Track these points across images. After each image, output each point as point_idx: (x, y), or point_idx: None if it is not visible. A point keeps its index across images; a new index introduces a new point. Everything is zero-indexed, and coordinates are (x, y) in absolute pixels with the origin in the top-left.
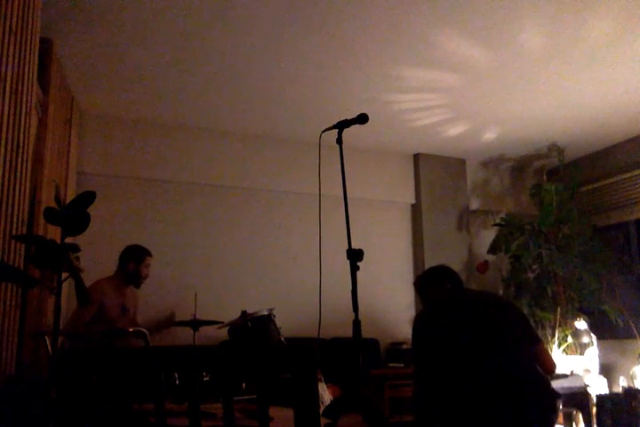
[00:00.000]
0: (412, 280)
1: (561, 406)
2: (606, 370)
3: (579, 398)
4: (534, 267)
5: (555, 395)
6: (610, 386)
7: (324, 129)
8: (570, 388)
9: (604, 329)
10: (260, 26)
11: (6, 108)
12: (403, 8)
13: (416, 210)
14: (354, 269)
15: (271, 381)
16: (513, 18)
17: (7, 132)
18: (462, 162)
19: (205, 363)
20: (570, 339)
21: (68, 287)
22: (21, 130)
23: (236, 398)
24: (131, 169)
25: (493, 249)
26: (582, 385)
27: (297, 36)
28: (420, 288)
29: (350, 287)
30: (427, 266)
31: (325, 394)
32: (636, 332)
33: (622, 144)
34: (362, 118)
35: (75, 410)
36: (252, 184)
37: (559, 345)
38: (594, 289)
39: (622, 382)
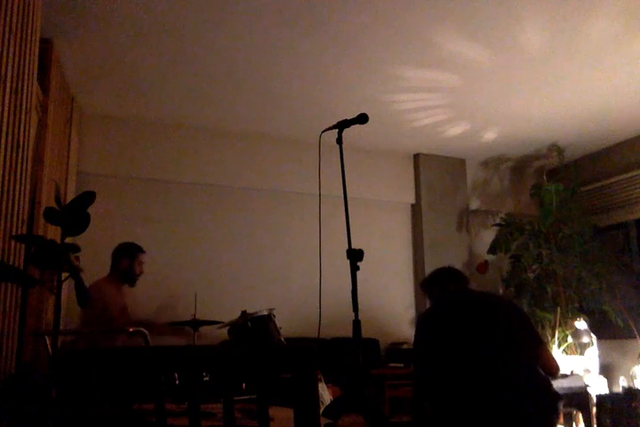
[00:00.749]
0: (412, 280)
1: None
2: (606, 370)
3: (579, 398)
4: (534, 267)
5: (556, 396)
6: (610, 386)
7: (324, 129)
8: (570, 388)
9: (604, 329)
10: (260, 26)
11: (6, 108)
12: (403, 8)
13: (416, 210)
14: (354, 269)
15: (271, 381)
16: (513, 18)
17: (7, 132)
18: (462, 162)
19: (205, 363)
20: (570, 339)
21: (67, 287)
22: (21, 130)
23: (236, 398)
24: (131, 169)
25: (493, 249)
26: (582, 385)
27: (297, 36)
28: (426, 290)
29: (350, 287)
30: (427, 266)
31: (325, 394)
32: (635, 332)
33: (622, 144)
34: (362, 118)
35: (75, 410)
36: (252, 184)
37: (559, 345)
38: (594, 289)
39: (622, 382)
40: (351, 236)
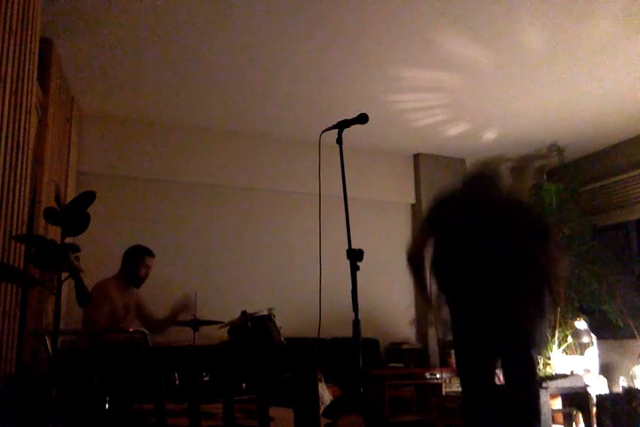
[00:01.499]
0: (412, 280)
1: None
2: (606, 370)
3: (579, 398)
4: None
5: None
6: (610, 386)
7: (324, 129)
8: (570, 388)
9: (604, 329)
10: (260, 26)
11: (6, 108)
12: (403, 8)
13: (416, 210)
14: (354, 269)
15: (271, 381)
16: (513, 18)
17: (7, 132)
18: (462, 162)
19: (205, 363)
20: (570, 339)
21: (67, 287)
22: (21, 130)
23: (236, 398)
24: (131, 169)
25: None
26: (582, 385)
27: (297, 36)
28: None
29: (350, 287)
30: (427, 266)
31: (325, 394)
32: (635, 332)
33: (622, 144)
34: (362, 118)
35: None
36: (252, 184)
37: (559, 345)
38: (594, 289)
39: (622, 382)
40: (351, 236)
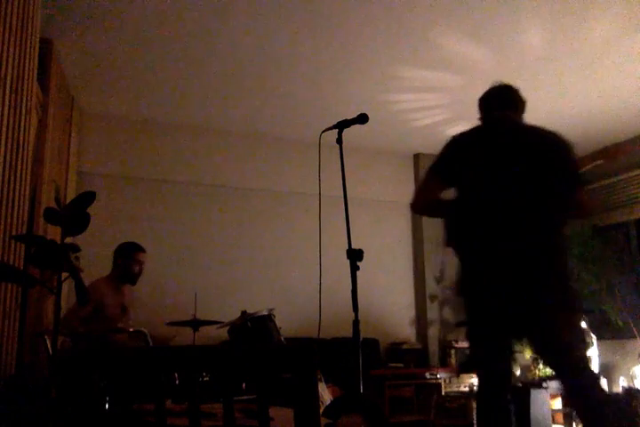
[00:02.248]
0: (412, 280)
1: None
2: (606, 370)
3: None
4: None
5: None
6: (610, 386)
7: (324, 129)
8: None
9: (604, 329)
10: (260, 26)
11: (6, 108)
12: (403, 8)
13: None
14: (354, 269)
15: (271, 381)
16: (513, 18)
17: (7, 132)
18: None
19: (205, 363)
20: None
21: (67, 287)
22: (21, 130)
23: (236, 398)
24: (131, 169)
25: None
26: None
27: (297, 36)
28: (479, 109)
29: (350, 287)
30: (427, 266)
31: (325, 394)
32: (635, 332)
33: (622, 144)
34: (362, 118)
35: (75, 410)
36: (252, 184)
37: None
38: (594, 289)
39: (622, 382)
40: (351, 236)
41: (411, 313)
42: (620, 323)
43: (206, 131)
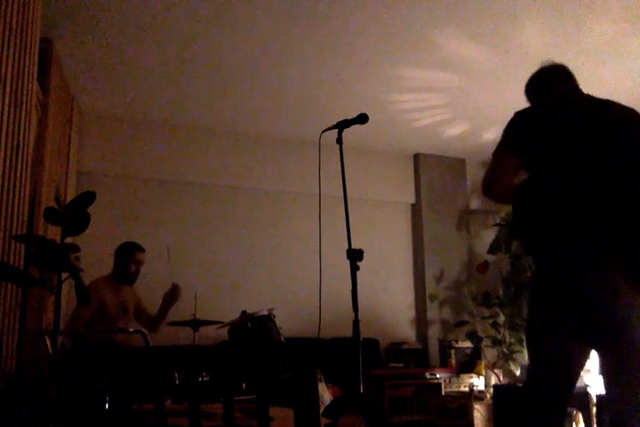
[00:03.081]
0: (412, 280)
1: None
2: None
3: (579, 398)
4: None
5: None
6: None
7: (324, 129)
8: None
9: None
10: (260, 26)
11: (6, 108)
12: (403, 8)
13: (416, 210)
14: (354, 269)
15: (271, 381)
16: (513, 18)
17: (7, 132)
18: (462, 162)
19: (205, 363)
20: None
21: (67, 287)
22: (21, 130)
23: (236, 398)
24: (131, 169)
25: (493, 249)
26: (582, 385)
27: (297, 36)
28: (531, 96)
29: (350, 287)
30: (427, 266)
31: (325, 394)
32: None
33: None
34: (362, 118)
35: (75, 410)
36: (253, 184)
37: None
38: None
39: None
40: (351, 236)
41: (411, 313)
42: None
43: (206, 131)
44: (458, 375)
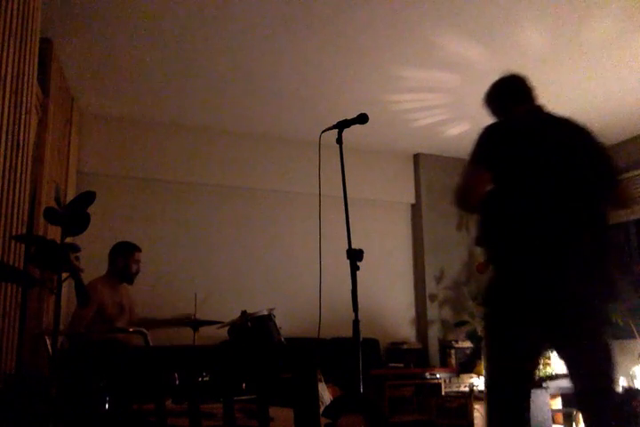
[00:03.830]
0: (412, 280)
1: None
2: None
3: None
4: None
5: (606, 232)
6: None
7: (324, 129)
8: (570, 388)
9: None
10: (260, 26)
11: (6, 108)
12: (403, 8)
13: (416, 210)
14: (354, 269)
15: (271, 381)
16: (513, 18)
17: (7, 132)
18: (462, 162)
19: (205, 363)
20: None
21: (67, 287)
22: (21, 130)
23: (236, 398)
24: (131, 169)
25: None
26: None
27: (297, 36)
28: (490, 104)
29: (350, 287)
30: (427, 266)
31: (325, 394)
32: (635, 332)
33: (622, 144)
34: (362, 118)
35: (75, 410)
36: (253, 184)
37: None
38: None
39: (622, 382)
40: (351, 236)
41: (411, 313)
42: (620, 323)
43: (206, 131)
44: (458, 375)
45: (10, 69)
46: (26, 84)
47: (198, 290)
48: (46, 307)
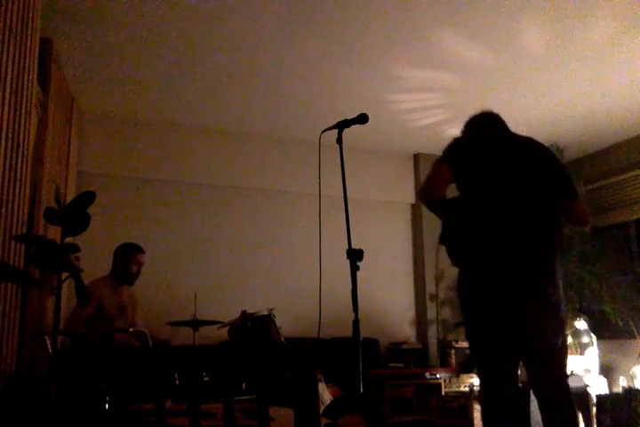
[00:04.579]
0: (412, 280)
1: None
2: (606, 370)
3: (579, 398)
4: None
5: (559, 237)
6: (610, 386)
7: (324, 129)
8: (570, 388)
9: (604, 329)
10: (260, 26)
11: (6, 108)
12: (403, 8)
13: (416, 210)
14: (354, 269)
15: (271, 381)
16: (513, 18)
17: (7, 132)
18: None
19: (205, 363)
20: (570, 339)
21: (67, 287)
22: (21, 130)
23: (236, 398)
24: (131, 169)
25: None
26: (582, 385)
27: (297, 36)
28: (468, 128)
29: (350, 287)
30: (427, 266)
31: (325, 394)
32: (636, 332)
33: (622, 144)
34: (362, 118)
35: (75, 410)
36: (253, 184)
37: None
38: (594, 289)
39: (622, 382)
40: (351, 236)
41: (411, 313)
42: (620, 323)
43: (206, 131)
44: (458, 375)
45: (10, 69)
46: (26, 84)
47: (198, 290)
48: (46, 307)
